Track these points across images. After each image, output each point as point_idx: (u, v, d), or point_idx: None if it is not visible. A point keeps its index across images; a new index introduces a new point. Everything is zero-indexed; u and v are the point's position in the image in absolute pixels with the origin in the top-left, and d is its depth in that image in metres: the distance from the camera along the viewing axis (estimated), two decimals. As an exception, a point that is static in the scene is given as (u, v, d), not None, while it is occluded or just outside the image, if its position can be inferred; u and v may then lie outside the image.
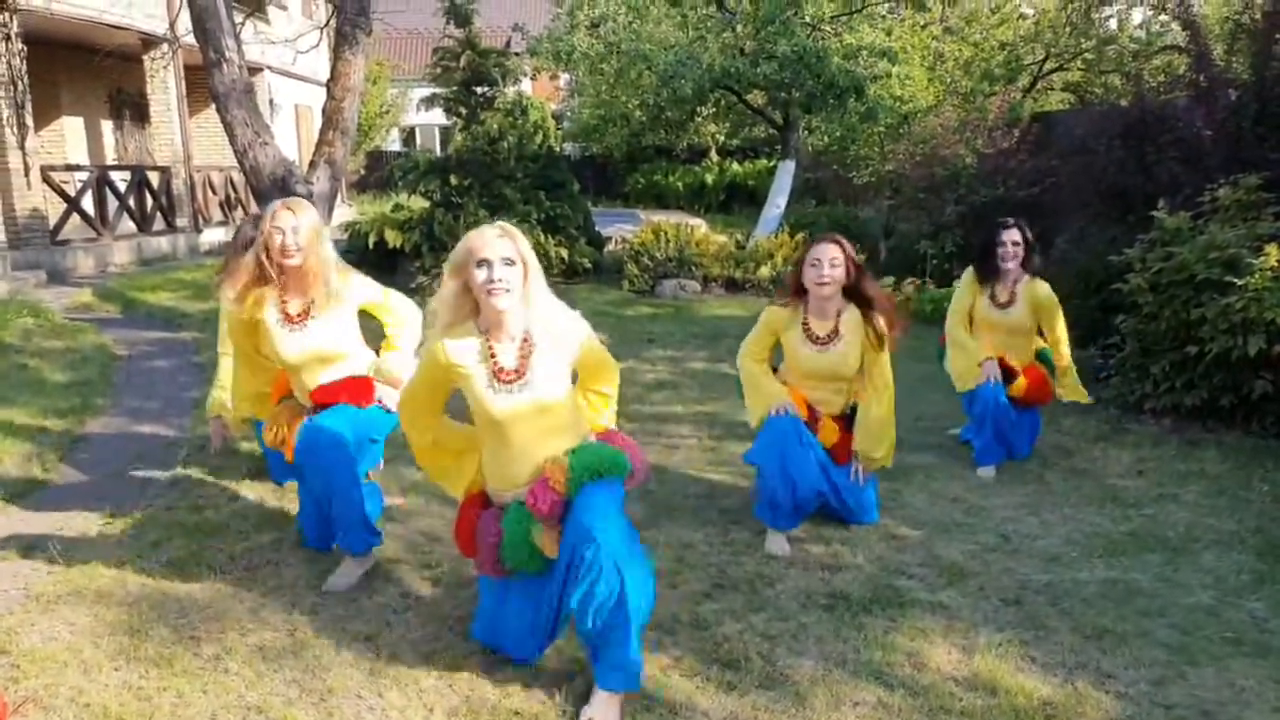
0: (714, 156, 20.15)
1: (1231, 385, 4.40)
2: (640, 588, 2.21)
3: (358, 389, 3.03)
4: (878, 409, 3.25)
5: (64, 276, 9.47)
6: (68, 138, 12.47)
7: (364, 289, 3.09)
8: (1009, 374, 4.06)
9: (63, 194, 10.13)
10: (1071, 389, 4.19)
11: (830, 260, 3.13)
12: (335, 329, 2.99)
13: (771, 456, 3.17)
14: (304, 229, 2.86)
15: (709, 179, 19.75)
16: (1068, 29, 12.87)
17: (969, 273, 4.18)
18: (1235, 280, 4.24)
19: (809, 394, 3.33)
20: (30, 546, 3.27)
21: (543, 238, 9.06)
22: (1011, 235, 4.02)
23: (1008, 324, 4.09)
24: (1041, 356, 4.20)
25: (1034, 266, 4.07)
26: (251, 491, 3.80)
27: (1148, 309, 4.65)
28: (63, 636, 2.65)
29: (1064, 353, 4.16)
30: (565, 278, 9.18)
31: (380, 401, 3.05)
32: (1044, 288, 4.06)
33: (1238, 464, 4.08)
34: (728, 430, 4.77)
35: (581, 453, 2.33)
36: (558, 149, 13.28)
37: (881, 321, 3.17)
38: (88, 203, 10.47)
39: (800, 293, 3.25)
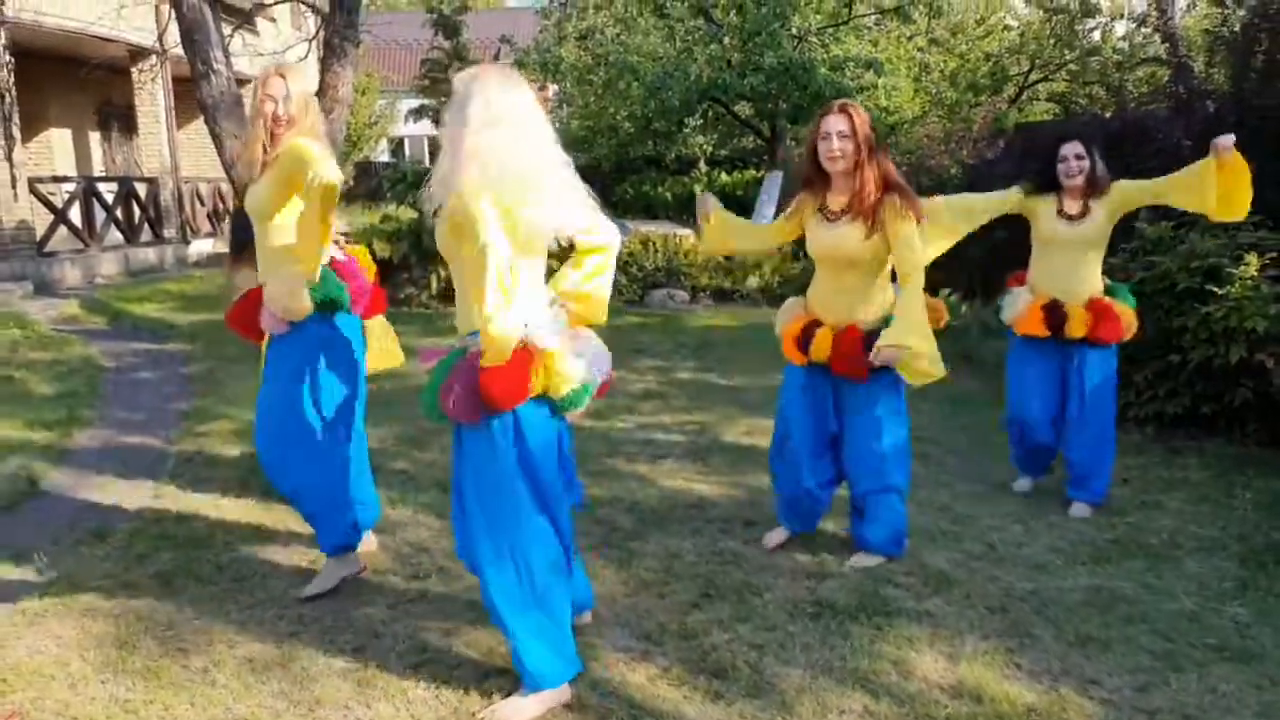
0: (702, 167, 20.23)
1: (1213, 394, 4.45)
2: (520, 621, 2.24)
3: (248, 318, 2.88)
4: (904, 297, 2.86)
5: (51, 288, 9.42)
6: (55, 149, 12.43)
7: (298, 153, 2.70)
8: (1059, 316, 3.57)
9: (50, 205, 10.09)
10: None
11: (838, 133, 2.87)
12: (263, 188, 2.82)
13: (779, 451, 3.22)
14: (295, 96, 2.73)
15: (698, 189, 19.80)
16: (1052, 40, 13.02)
17: (1020, 187, 3.61)
18: (1216, 289, 4.29)
19: (833, 285, 3.03)
20: (16, 559, 3.25)
21: (532, 248, 9.07)
22: (1074, 148, 3.49)
23: (1078, 239, 3.53)
24: (1114, 293, 3.66)
25: (1103, 185, 3.52)
26: (238, 503, 3.79)
27: (1130, 318, 4.70)
28: (49, 650, 2.64)
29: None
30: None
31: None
32: (1124, 183, 3.53)
33: (1220, 471, 4.13)
34: (716, 440, 4.79)
35: (433, 375, 2.19)
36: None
37: (891, 204, 2.85)
38: (75, 214, 10.43)
39: (819, 173, 2.98)
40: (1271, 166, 4.85)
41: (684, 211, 19.46)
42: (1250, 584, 3.05)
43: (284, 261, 2.87)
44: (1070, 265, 3.59)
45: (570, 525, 2.38)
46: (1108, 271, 4.75)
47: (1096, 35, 12.89)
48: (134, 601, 2.91)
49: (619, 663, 2.56)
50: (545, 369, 2.14)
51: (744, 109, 12.35)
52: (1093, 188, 3.52)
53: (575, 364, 2.20)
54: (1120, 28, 12.73)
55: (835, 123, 2.89)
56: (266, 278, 2.91)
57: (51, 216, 10.11)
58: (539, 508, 2.24)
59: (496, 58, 10.58)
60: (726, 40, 11.27)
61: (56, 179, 10.80)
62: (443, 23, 9.40)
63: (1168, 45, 5.86)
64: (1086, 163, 3.51)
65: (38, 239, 9.78)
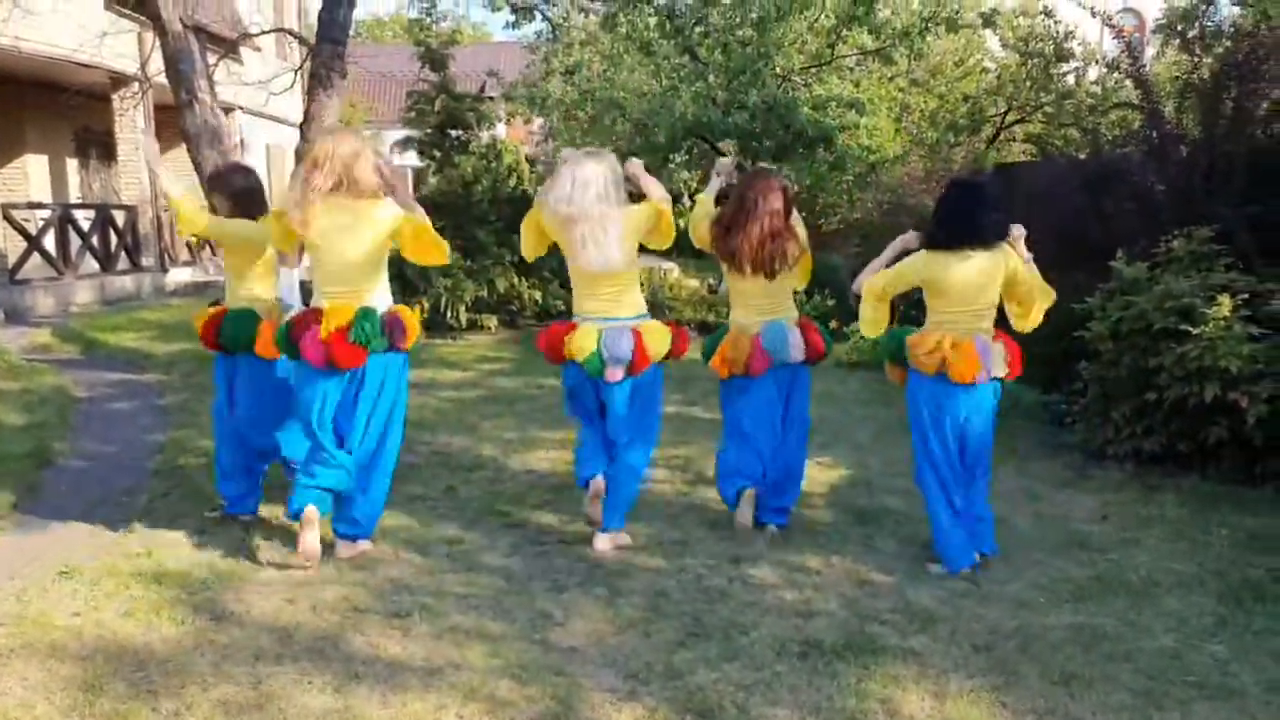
0: (686, 203, 20.41)
1: (1189, 431, 4.51)
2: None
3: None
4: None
5: (23, 316, 9.27)
6: (31, 175, 12.31)
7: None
8: None
9: (24, 232, 9.96)
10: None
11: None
12: None
13: None
14: (335, 151, 3.38)
15: (681, 224, 20.02)
16: (1028, 83, 13.31)
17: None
18: (1190, 329, 4.37)
19: None
20: (-20, 597, 3.15)
21: (516, 280, 9.10)
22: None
23: None
24: (893, 342, 3.93)
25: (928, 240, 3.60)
26: (214, 538, 3.71)
27: (1108, 356, 4.77)
28: (14, 692, 2.55)
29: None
30: (539, 319, 9.20)
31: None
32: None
33: (1196, 509, 4.17)
34: (700, 475, 4.77)
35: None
36: (532, 193, 13.36)
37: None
38: (49, 241, 10.31)
39: None
40: (1241, 211, 4.98)
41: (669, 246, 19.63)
42: (1229, 621, 3.08)
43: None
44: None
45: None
46: (1087, 312, 4.85)
47: (1070, 79, 13.19)
48: (103, 642, 2.83)
49: (605, 703, 2.52)
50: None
51: (728, 147, 12.49)
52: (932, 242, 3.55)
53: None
54: (1093, 72, 13.06)
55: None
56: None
57: (25, 243, 9.97)
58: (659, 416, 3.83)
59: (482, 90, 10.66)
60: (712, 78, 11.43)
61: (31, 205, 10.69)
62: (430, 56, 9.48)
63: (1140, 91, 6.00)
64: None
65: (9, 266, 9.65)
